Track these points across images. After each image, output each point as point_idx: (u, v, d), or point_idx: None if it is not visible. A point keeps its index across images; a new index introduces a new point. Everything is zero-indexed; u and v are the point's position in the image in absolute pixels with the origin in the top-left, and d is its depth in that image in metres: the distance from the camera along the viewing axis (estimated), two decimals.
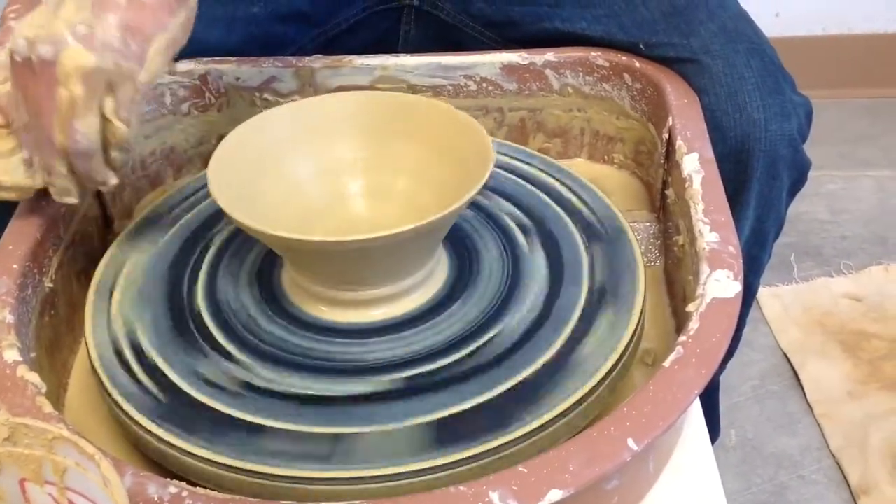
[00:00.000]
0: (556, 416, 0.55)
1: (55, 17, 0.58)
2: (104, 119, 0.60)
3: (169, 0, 0.61)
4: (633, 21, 0.80)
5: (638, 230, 0.74)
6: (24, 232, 0.63)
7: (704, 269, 0.58)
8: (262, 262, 0.67)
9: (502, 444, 0.53)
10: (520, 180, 0.73)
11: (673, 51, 0.78)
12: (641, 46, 0.79)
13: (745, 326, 0.96)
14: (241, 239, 0.68)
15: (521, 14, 0.85)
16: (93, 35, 0.57)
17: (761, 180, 0.76)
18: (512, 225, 0.69)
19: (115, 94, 0.59)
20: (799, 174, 0.80)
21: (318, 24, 0.89)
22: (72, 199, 0.64)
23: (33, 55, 0.57)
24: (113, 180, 0.63)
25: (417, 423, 0.55)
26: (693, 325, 0.54)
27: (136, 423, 0.56)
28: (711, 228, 0.61)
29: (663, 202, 0.75)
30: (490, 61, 0.81)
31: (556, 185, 0.72)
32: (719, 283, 0.57)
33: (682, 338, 0.53)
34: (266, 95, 0.81)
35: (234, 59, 0.81)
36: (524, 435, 0.54)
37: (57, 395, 0.63)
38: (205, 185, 0.72)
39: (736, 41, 0.77)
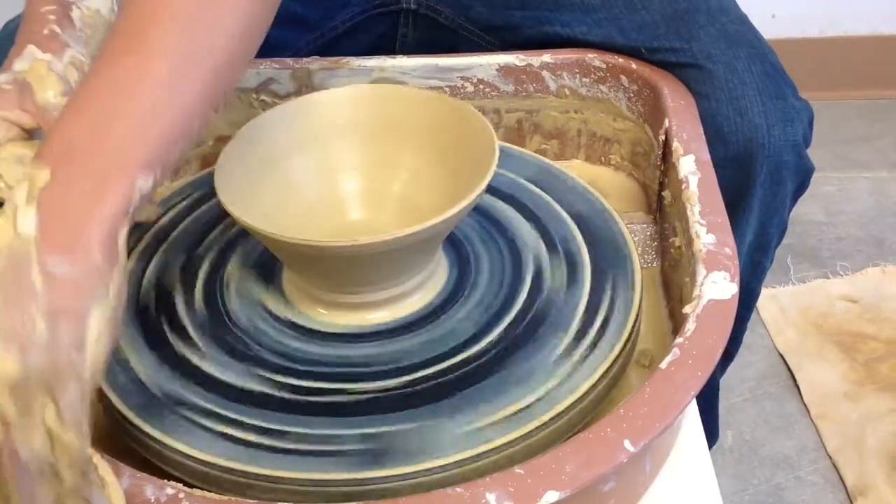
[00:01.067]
0: (554, 418, 0.55)
1: None
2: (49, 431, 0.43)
3: (94, 266, 0.44)
4: (633, 25, 0.80)
5: (634, 231, 0.74)
6: None
7: (701, 270, 0.58)
8: (263, 264, 0.67)
9: (499, 446, 0.53)
10: (517, 181, 0.73)
11: (674, 56, 0.78)
12: (643, 51, 0.79)
13: (745, 331, 0.95)
14: (242, 241, 0.68)
15: (521, 18, 0.85)
16: (11, 331, 0.42)
17: (765, 186, 0.76)
18: (510, 226, 0.69)
19: (55, 399, 0.43)
20: (802, 179, 0.79)
21: (315, 27, 0.89)
22: None
23: None
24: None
25: (415, 425, 0.55)
26: (689, 326, 0.54)
27: (134, 424, 0.56)
28: (708, 230, 0.61)
29: (660, 204, 0.75)
30: (487, 63, 0.81)
31: (554, 186, 0.72)
32: (716, 285, 0.57)
33: (679, 339, 0.53)
34: (263, 97, 0.81)
35: None
36: (521, 436, 0.54)
37: None
38: (203, 187, 0.73)
39: (737, 46, 0.77)
